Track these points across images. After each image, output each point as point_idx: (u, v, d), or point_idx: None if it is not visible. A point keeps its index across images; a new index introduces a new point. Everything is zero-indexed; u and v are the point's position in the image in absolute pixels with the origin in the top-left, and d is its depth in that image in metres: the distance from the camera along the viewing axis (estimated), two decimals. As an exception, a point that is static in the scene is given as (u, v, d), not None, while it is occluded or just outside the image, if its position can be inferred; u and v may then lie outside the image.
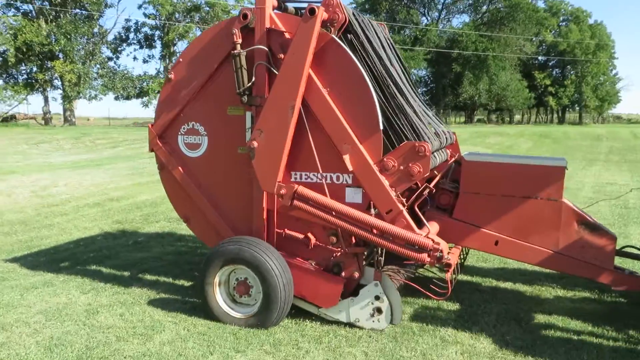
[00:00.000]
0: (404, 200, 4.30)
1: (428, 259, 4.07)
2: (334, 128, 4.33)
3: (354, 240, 4.43)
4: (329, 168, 4.43)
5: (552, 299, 5.24)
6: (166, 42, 42.73)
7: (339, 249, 4.47)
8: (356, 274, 4.45)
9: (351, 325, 4.43)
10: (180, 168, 4.98)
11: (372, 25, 5.08)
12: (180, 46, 45.95)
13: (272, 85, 4.39)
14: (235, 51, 4.45)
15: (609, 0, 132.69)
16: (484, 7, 58.85)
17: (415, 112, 4.67)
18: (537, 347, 4.09)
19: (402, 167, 4.24)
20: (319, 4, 4.26)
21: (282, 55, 4.38)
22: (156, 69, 53.45)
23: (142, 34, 45.10)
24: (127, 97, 43.14)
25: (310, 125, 4.40)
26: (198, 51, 4.82)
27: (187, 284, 5.60)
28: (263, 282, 4.31)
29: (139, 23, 44.88)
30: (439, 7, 59.06)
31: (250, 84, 4.50)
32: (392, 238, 4.14)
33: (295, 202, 4.37)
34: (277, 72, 4.44)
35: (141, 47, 45.59)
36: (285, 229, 4.64)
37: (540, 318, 4.72)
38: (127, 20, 42.96)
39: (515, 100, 58.98)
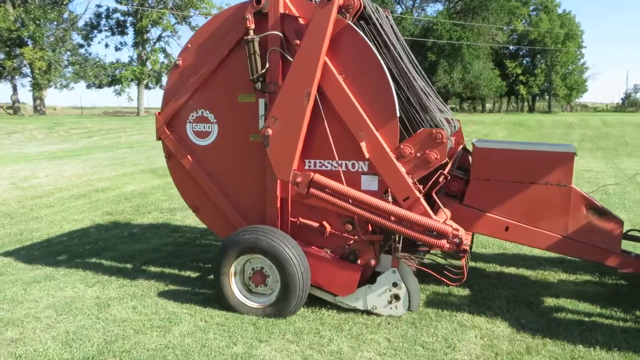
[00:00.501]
0: (420, 187, 4.31)
1: (447, 245, 4.11)
2: (350, 115, 4.30)
3: (370, 228, 4.43)
4: (344, 155, 4.40)
5: (557, 283, 5.36)
6: (139, 28, 41.70)
7: (355, 237, 4.47)
8: (372, 262, 4.46)
9: (368, 312, 4.44)
10: (189, 156, 4.88)
11: (379, 12, 5.06)
12: (154, 33, 45.00)
13: (287, 72, 4.33)
14: (249, 37, 4.37)
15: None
16: (458, -4, 59.24)
17: (428, 99, 4.68)
18: (552, 330, 4.18)
19: (419, 154, 4.25)
20: (335, -10, 4.20)
21: (297, 41, 4.31)
22: (129, 56, 52.26)
23: (114, 20, 43.98)
24: (100, 86, 42.09)
25: (325, 112, 4.36)
26: (207, 37, 4.72)
27: (193, 275, 5.52)
28: (281, 271, 4.28)
29: (111, 9, 43.69)
30: (414, -5, 59.19)
31: (264, 70, 4.42)
32: (412, 225, 4.16)
33: (312, 190, 4.34)
34: (290, 59, 4.38)
35: (113, 34, 44.45)
36: (300, 217, 4.60)
37: (549, 301, 4.82)
38: (99, 6, 41.72)
39: (487, 89, 59.74)
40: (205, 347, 3.84)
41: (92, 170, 13.58)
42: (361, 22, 4.52)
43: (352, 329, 4.16)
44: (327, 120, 4.37)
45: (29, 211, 8.96)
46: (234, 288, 4.50)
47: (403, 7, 59.71)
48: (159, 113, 4.98)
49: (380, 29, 4.55)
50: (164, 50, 44.04)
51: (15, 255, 6.32)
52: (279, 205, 4.61)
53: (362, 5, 4.38)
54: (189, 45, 4.81)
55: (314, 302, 4.55)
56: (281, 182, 4.57)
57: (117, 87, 42.19)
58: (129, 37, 44.30)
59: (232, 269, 4.48)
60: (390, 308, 4.40)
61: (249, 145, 4.71)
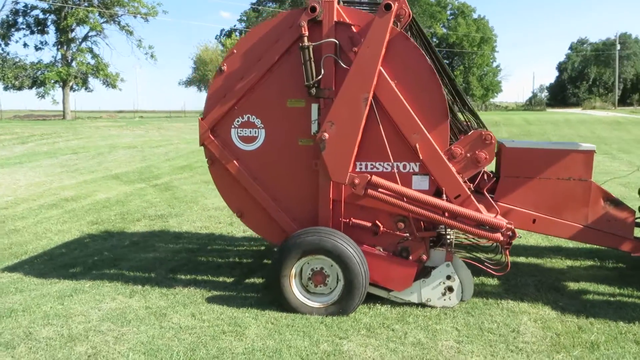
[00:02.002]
0: (470, 185, 4.63)
1: (502, 238, 4.45)
2: (403, 119, 4.53)
3: (422, 225, 4.69)
4: (396, 157, 4.63)
5: (567, 269, 5.88)
6: (63, 27, 39.34)
7: (406, 234, 4.70)
8: (424, 257, 4.72)
9: (422, 305, 4.69)
10: (235, 162, 4.90)
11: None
12: (79, 32, 42.54)
13: (346, 78, 4.48)
14: (305, 44, 4.48)
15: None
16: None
17: (468, 102, 5.01)
18: (589, 310, 4.63)
19: (469, 155, 4.56)
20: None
21: (354, 49, 4.48)
22: (52, 56, 49.09)
23: (32, 18, 41.21)
24: (20, 88, 39.28)
25: (380, 116, 4.56)
26: (255, 43, 4.77)
27: (228, 279, 5.52)
28: (345, 270, 4.44)
29: (29, 6, 40.92)
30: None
31: (320, 77, 4.55)
32: (467, 221, 4.46)
33: (370, 191, 4.53)
34: (343, 65, 4.54)
35: (32, 33, 41.63)
36: (351, 218, 4.77)
37: (572, 285, 5.32)
38: (16, 2, 38.65)
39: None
40: (292, 347, 3.92)
41: (48, 178, 12.86)
42: (408, 30, 4.76)
43: (417, 321, 4.39)
44: (381, 123, 4.57)
45: (1, 224, 8.41)
46: (295, 289, 4.60)
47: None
48: (202, 119, 4.95)
49: (424, 36, 4.81)
50: (90, 51, 41.88)
51: (21, 269, 5.98)
52: (331, 206, 4.76)
53: (411, 15, 4.63)
54: (235, 50, 4.84)
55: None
56: (333, 184, 4.71)
57: (40, 89, 39.59)
58: (51, 36, 41.48)
59: (293, 271, 4.57)
60: (444, 300, 4.68)
61: (297, 150, 4.81)
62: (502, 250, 4.75)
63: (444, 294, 4.68)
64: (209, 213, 8.95)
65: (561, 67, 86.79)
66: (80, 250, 6.80)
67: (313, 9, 4.52)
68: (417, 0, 56.78)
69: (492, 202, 4.70)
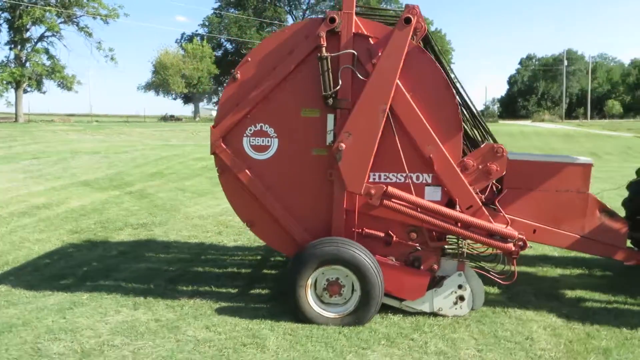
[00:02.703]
0: (482, 196, 4.74)
1: (513, 248, 4.58)
2: (418, 130, 4.61)
3: (434, 235, 4.76)
4: (410, 168, 4.69)
5: (560, 277, 6.10)
6: (18, 26, 37.71)
7: (418, 244, 4.77)
8: (435, 267, 4.79)
9: (434, 314, 4.76)
10: (247, 171, 4.84)
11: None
12: (35, 31, 40.90)
13: (364, 89, 4.52)
14: (324, 54, 4.50)
15: (443, 10, 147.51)
16: (344, 10, 61.86)
17: (479, 115, 5.13)
18: (592, 317, 4.82)
19: (480, 167, 4.68)
20: (410, 14, 4.49)
21: (372, 60, 4.52)
22: (5, 56, 46.96)
23: (-18, 17, 39.36)
24: (-32, 89, 37.41)
25: (395, 127, 4.62)
26: (270, 51, 4.74)
27: (232, 290, 5.43)
28: (362, 280, 4.45)
29: (-24, 4, 39.05)
30: (304, 7, 60.72)
31: (338, 87, 4.57)
32: (480, 231, 4.57)
33: (386, 202, 4.58)
34: (360, 77, 4.58)
35: (-20, 32, 39.79)
36: (364, 228, 4.80)
37: (569, 293, 5.52)
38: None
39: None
40: (318, 359, 3.90)
41: (13, 184, 12.30)
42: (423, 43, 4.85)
43: (434, 331, 4.45)
44: (397, 135, 4.63)
45: (-28, 232, 7.98)
46: (310, 300, 4.57)
47: (294, 17, 61.02)
48: (213, 127, 4.87)
49: (437, 50, 4.91)
50: (46, 51, 40.36)
51: (7, 281, 5.69)
52: (344, 216, 4.77)
53: (426, 29, 4.72)
54: (249, 58, 4.79)
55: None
56: (347, 194, 4.73)
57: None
58: (4, 35, 39.71)
59: (310, 281, 4.55)
60: (456, 309, 4.77)
61: (311, 159, 4.81)
62: (508, 260, 4.89)
63: (455, 303, 4.77)
64: (193, 222, 8.77)
65: (512, 81, 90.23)
66: (65, 261, 6.53)
67: (332, 20, 4.54)
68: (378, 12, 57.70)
69: (503, 213, 4.82)
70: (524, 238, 4.61)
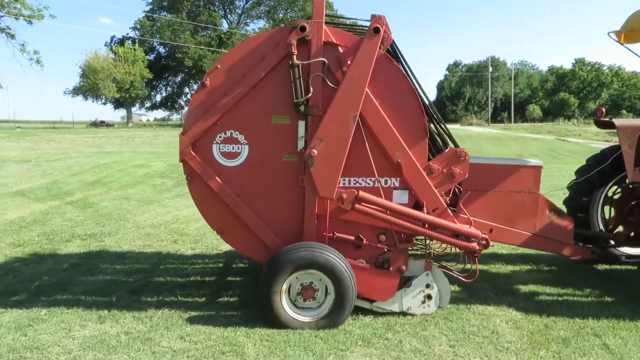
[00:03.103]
0: (447, 199, 4.96)
1: (477, 247, 4.83)
2: (387, 136, 4.77)
3: (403, 237, 4.93)
4: (379, 173, 4.84)
5: (512, 274, 6.47)
6: None
7: (387, 246, 4.92)
8: (403, 267, 4.96)
9: (403, 313, 4.92)
10: (217, 178, 4.80)
11: None
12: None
13: (335, 96, 4.62)
14: (295, 62, 4.56)
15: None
16: (280, 15, 61.99)
17: (441, 120, 5.34)
18: (547, 309, 5.17)
19: (445, 170, 4.90)
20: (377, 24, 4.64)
21: (343, 68, 4.63)
22: None
23: None
24: None
25: (365, 134, 4.75)
26: (240, 59, 4.74)
27: (199, 299, 5.35)
28: (337, 283, 4.54)
29: None
30: (239, 11, 60.22)
31: (310, 94, 4.64)
32: (446, 232, 4.79)
33: (357, 206, 4.69)
34: (330, 84, 4.68)
35: None
36: (335, 232, 4.89)
37: (523, 288, 5.87)
38: None
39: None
40: (300, 363, 3.94)
41: (-63, 196, 11.40)
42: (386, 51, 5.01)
43: (405, 329, 4.61)
44: (367, 140, 4.76)
45: None
46: (285, 305, 4.60)
47: (229, 22, 60.43)
48: (182, 134, 4.79)
49: (402, 58, 5.09)
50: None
51: (-49, 300, 5.31)
52: (315, 221, 4.84)
53: (391, 38, 4.88)
54: (219, 65, 4.77)
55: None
56: (319, 199, 4.80)
57: None
58: None
59: (284, 286, 4.58)
60: (424, 307, 4.95)
61: (281, 165, 4.84)
62: (470, 259, 5.14)
63: (423, 302, 4.95)
64: (145, 231, 8.52)
65: (440, 86, 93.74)
66: (13, 276, 6.17)
67: (303, 29, 4.61)
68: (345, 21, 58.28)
69: (467, 214, 5.06)
70: (487, 237, 4.86)
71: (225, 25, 58.47)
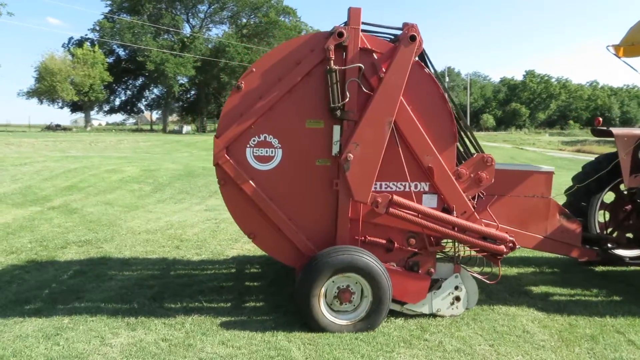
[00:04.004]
0: (474, 202, 5.11)
1: (505, 250, 4.99)
2: (418, 141, 4.87)
3: (432, 240, 5.04)
4: (411, 177, 4.93)
5: (520, 276, 6.69)
6: None
7: (417, 250, 5.01)
8: (432, 270, 5.06)
9: (433, 315, 5.02)
10: (250, 182, 4.78)
11: None
12: None
13: (372, 101, 4.69)
14: (333, 67, 4.60)
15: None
16: (244, 20, 61.70)
17: (468, 126, 5.48)
18: (566, 309, 5.38)
19: (472, 175, 5.05)
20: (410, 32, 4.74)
21: (380, 74, 4.70)
22: None
23: None
24: None
25: (398, 139, 4.84)
26: (276, 63, 4.75)
27: (225, 305, 5.29)
28: (375, 286, 4.60)
29: None
30: (201, 16, 59.52)
31: (347, 99, 4.68)
32: (475, 235, 4.92)
33: (391, 210, 4.77)
34: (364, 90, 4.76)
35: None
36: (367, 236, 4.95)
37: (535, 289, 6.08)
38: None
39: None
40: (352, 365, 3.96)
41: None
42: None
43: (441, 330, 4.71)
44: (400, 146, 4.85)
45: None
46: (323, 308, 4.62)
47: (191, 26, 59.60)
48: (216, 137, 4.74)
49: (432, 65, 5.21)
50: None
51: (-40, 310, 5.05)
52: (349, 225, 4.88)
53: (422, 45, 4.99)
54: (254, 69, 4.76)
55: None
56: (352, 203, 4.85)
57: None
58: None
59: (323, 290, 4.59)
60: (452, 309, 5.07)
61: (314, 169, 4.87)
62: (492, 262, 5.29)
63: (452, 304, 5.07)
64: (142, 237, 8.32)
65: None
66: (18, 285, 5.91)
67: (340, 35, 4.66)
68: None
69: (494, 217, 5.22)
70: (514, 240, 5.03)
71: (187, 29, 57.69)
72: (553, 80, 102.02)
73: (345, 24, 4.81)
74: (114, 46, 54.72)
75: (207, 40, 57.47)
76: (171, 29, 54.15)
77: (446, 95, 5.05)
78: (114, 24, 52.66)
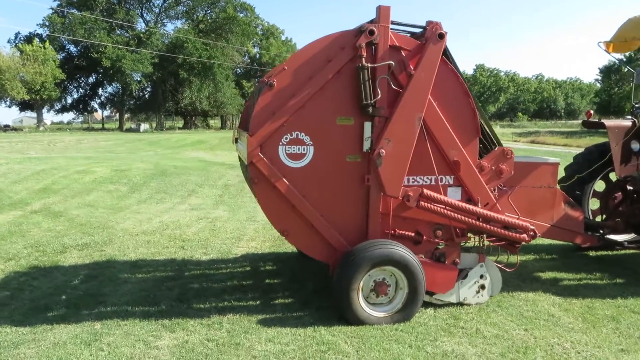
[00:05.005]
0: (495, 194, 5.31)
1: (527, 238, 5.22)
2: (444, 136, 5.03)
3: (458, 232, 5.21)
4: (435, 170, 5.08)
5: (524, 264, 6.93)
6: None
7: (443, 241, 5.18)
8: (457, 260, 5.24)
9: (460, 304, 5.20)
10: (284, 179, 4.80)
11: None
12: None
13: (402, 98, 4.80)
14: (366, 65, 4.68)
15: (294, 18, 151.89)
16: (200, 15, 60.59)
17: (487, 120, 5.65)
18: (577, 292, 5.67)
19: (493, 168, 5.25)
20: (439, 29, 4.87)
21: (411, 71, 4.81)
22: None
23: None
24: None
25: (426, 134, 4.98)
26: (307, 61, 4.77)
27: (254, 303, 5.30)
28: (410, 278, 4.73)
29: None
30: (156, 10, 58.01)
31: (379, 96, 4.77)
32: (498, 225, 5.13)
33: (422, 203, 4.91)
34: (393, 86, 4.86)
35: None
36: (396, 229, 5.07)
37: (542, 275, 6.37)
38: None
39: (232, 107, 62.65)
40: (405, 354, 4.07)
41: None
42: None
43: (473, 318, 4.89)
44: (428, 140, 4.99)
45: None
46: (361, 301, 4.71)
47: (145, 21, 58.02)
48: (250, 136, 4.74)
49: (453, 60, 5.34)
50: None
51: (-20, 320, 4.86)
52: (380, 220, 4.99)
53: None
54: (286, 67, 4.77)
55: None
56: (382, 198, 4.96)
57: None
58: None
59: (361, 284, 4.68)
60: (478, 297, 5.26)
61: (345, 166, 4.94)
62: (510, 251, 5.52)
63: (477, 292, 5.26)
64: (141, 238, 8.16)
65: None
66: (30, 291, 5.72)
67: (371, 32, 4.74)
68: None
69: (514, 207, 5.43)
70: (535, 229, 5.26)
71: (142, 25, 56.09)
72: (502, 74, 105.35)
73: (372, 21, 4.89)
74: (65, 42, 52.64)
75: (164, 35, 56.08)
76: (125, 24, 52.59)
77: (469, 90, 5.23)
78: (64, 19, 50.65)
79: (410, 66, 4.88)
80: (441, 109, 5.01)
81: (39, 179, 14.83)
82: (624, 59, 58.13)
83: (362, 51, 4.71)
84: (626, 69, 48.19)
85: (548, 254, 7.38)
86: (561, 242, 7.21)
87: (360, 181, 4.96)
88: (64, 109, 59.51)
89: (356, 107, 4.86)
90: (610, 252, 7.39)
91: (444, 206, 5.01)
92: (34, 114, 55.36)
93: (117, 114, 67.03)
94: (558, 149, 31.08)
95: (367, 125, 4.89)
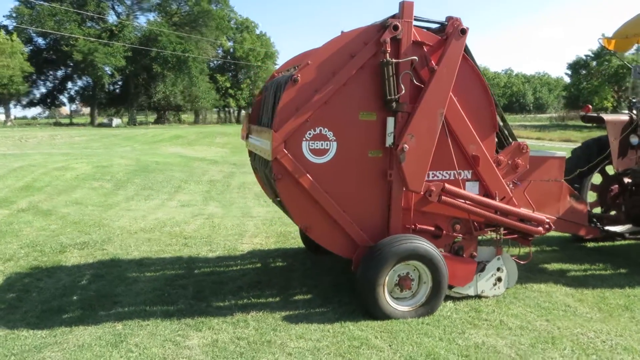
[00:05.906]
0: (511, 188, 5.39)
1: (542, 231, 5.32)
2: (463, 131, 5.08)
3: (476, 225, 5.28)
4: (455, 165, 5.13)
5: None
6: None
7: (461, 235, 5.24)
8: (475, 254, 5.31)
9: (478, 297, 5.27)
10: (308, 175, 4.77)
11: None
12: None
13: (425, 93, 4.82)
14: (390, 60, 4.68)
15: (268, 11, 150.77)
16: (174, 7, 59.45)
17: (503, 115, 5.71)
18: (587, 283, 5.84)
19: (509, 162, 5.33)
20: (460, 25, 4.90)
21: (434, 66, 4.83)
22: None
23: None
24: None
25: (446, 128, 5.01)
26: (330, 56, 4.74)
27: (273, 299, 5.27)
28: (434, 272, 4.78)
29: None
30: (128, 2, 56.71)
31: (403, 92, 4.78)
32: (515, 218, 5.22)
33: (444, 198, 4.95)
34: (415, 82, 4.88)
35: None
36: (416, 224, 5.10)
37: (548, 267, 6.52)
38: None
39: (206, 101, 61.81)
40: (438, 347, 4.11)
41: None
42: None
43: (494, 310, 4.97)
44: (449, 135, 5.02)
45: None
46: (387, 296, 4.74)
47: (117, 13, 56.61)
48: (275, 131, 4.68)
49: (471, 56, 5.37)
50: None
51: (-7, 324, 4.71)
52: (401, 215, 5.01)
53: (464, 37, 5.17)
54: (309, 62, 4.73)
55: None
56: (404, 193, 4.98)
57: None
58: None
59: (387, 279, 4.70)
60: (495, 289, 5.35)
61: (367, 161, 4.94)
62: (522, 243, 5.62)
63: (494, 285, 5.34)
64: (141, 236, 8.00)
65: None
66: (37, 293, 5.56)
67: (395, 28, 4.73)
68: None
69: (529, 200, 5.52)
70: (550, 222, 5.37)
71: (113, 16, 54.75)
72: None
73: (394, 16, 4.89)
74: (32, 34, 51.00)
75: (137, 28, 54.87)
76: (96, 16, 51.24)
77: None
78: (32, 10, 49.04)
79: (432, 62, 4.91)
80: (461, 104, 5.06)
81: (19, 177, 14.38)
82: (592, 55, 59.71)
83: (386, 46, 4.70)
84: (625, 70, 49.16)
85: (548, 246, 7.55)
86: (558, 234, 7.37)
87: (382, 176, 4.97)
88: (31, 103, 57.77)
89: (379, 103, 4.86)
90: (606, 244, 7.59)
91: (464, 200, 5.06)
92: (0, 109, 53.63)
93: (84, 109, 65.36)
94: (532, 142, 31.74)
95: (390, 121, 4.89)
